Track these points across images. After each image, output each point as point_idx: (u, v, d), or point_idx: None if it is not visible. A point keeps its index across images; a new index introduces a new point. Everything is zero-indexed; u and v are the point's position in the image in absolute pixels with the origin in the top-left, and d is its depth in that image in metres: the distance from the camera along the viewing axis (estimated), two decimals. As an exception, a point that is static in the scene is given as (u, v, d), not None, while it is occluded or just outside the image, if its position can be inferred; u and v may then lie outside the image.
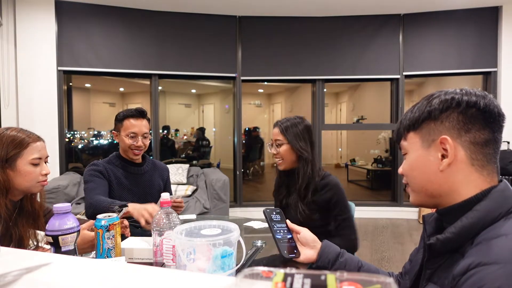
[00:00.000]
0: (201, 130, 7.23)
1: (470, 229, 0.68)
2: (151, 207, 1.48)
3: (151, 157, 2.08)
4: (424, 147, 0.76)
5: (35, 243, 1.29)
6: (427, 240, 0.76)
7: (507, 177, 3.95)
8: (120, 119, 1.83)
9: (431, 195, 0.77)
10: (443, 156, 0.74)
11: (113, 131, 1.89)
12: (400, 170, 0.84)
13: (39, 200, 1.36)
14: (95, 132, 6.36)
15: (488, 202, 0.69)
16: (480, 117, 0.72)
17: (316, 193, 1.59)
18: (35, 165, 1.24)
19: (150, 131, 1.92)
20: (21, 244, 1.24)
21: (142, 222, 1.45)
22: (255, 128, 8.17)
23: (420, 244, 0.87)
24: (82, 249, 1.19)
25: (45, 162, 1.30)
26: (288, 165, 1.65)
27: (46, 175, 1.28)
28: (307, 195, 1.58)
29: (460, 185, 0.73)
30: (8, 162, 1.20)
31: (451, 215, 0.74)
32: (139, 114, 1.82)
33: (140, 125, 1.81)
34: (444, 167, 0.73)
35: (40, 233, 1.33)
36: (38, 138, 1.28)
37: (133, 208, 1.50)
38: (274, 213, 1.18)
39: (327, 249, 1.07)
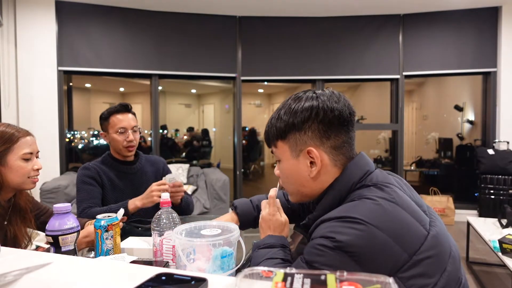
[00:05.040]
0: (204, 131, 7.25)
1: (331, 203, 0.81)
2: (150, 188, 1.57)
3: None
4: (294, 157, 0.85)
5: (27, 241, 1.29)
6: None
7: (506, 177, 3.95)
8: (105, 117, 1.76)
9: (306, 196, 0.89)
10: (311, 163, 0.83)
11: (101, 133, 1.82)
12: (276, 172, 0.93)
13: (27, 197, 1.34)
14: (95, 132, 6.35)
15: (336, 183, 0.82)
16: (336, 123, 0.81)
17: None
18: (27, 160, 1.22)
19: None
20: (16, 242, 1.23)
21: (158, 200, 1.51)
22: (245, 128, 8.10)
23: None
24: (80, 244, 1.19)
25: (37, 157, 1.27)
26: None
27: (38, 170, 1.25)
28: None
29: (328, 184, 0.84)
30: None
31: (317, 200, 0.87)
32: (124, 108, 1.76)
33: (127, 119, 1.75)
34: (314, 174, 0.83)
35: (40, 232, 1.33)
36: (28, 133, 1.26)
37: (137, 203, 1.57)
38: None
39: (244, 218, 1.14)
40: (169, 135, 6.91)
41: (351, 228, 0.69)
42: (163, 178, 1.64)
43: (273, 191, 1.00)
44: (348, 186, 0.81)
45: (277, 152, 0.89)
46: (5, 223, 1.21)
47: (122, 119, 1.74)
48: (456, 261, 0.76)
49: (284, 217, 0.99)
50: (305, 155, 0.83)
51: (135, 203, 1.57)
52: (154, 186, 1.56)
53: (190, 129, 7.36)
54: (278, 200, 1.02)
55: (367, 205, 0.73)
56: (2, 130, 1.19)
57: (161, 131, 6.25)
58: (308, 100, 0.83)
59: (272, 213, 0.98)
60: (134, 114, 1.82)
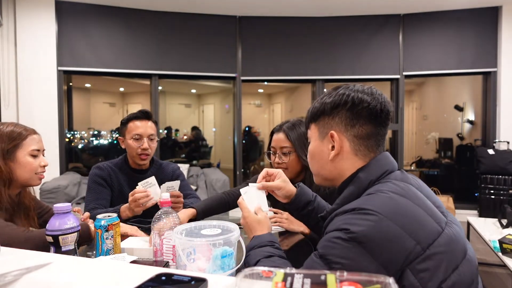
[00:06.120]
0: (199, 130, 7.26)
1: (349, 199, 0.83)
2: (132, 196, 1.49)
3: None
4: (320, 139, 0.92)
5: None
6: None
7: (506, 177, 3.96)
8: (124, 123, 1.76)
9: (326, 178, 0.94)
10: (333, 147, 0.88)
11: (119, 137, 1.81)
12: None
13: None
14: (95, 132, 6.35)
15: (356, 179, 0.85)
16: (364, 114, 0.85)
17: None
18: (34, 157, 1.28)
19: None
20: None
21: (141, 208, 1.47)
22: (249, 128, 8.06)
23: None
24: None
25: (43, 155, 1.33)
26: (292, 176, 1.45)
27: (44, 166, 1.32)
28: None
29: (346, 171, 0.88)
30: (8, 153, 1.23)
31: (338, 193, 0.90)
32: (143, 115, 1.75)
33: (145, 126, 1.73)
34: (332, 157, 0.88)
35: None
36: (34, 131, 1.33)
37: (127, 212, 1.51)
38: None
39: (298, 197, 1.13)
40: (170, 135, 6.91)
41: (364, 220, 0.71)
42: (161, 186, 1.56)
43: (240, 198, 1.06)
44: (366, 184, 0.84)
45: (310, 133, 0.96)
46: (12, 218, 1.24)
47: (140, 126, 1.73)
48: (472, 265, 0.77)
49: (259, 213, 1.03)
50: (329, 139, 0.89)
51: (126, 212, 1.52)
52: (130, 198, 1.48)
53: (195, 128, 7.35)
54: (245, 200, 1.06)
55: (380, 198, 0.76)
56: (11, 130, 1.27)
57: (164, 131, 6.28)
58: (342, 90, 0.89)
59: (245, 216, 1.02)
60: (155, 122, 1.79)
